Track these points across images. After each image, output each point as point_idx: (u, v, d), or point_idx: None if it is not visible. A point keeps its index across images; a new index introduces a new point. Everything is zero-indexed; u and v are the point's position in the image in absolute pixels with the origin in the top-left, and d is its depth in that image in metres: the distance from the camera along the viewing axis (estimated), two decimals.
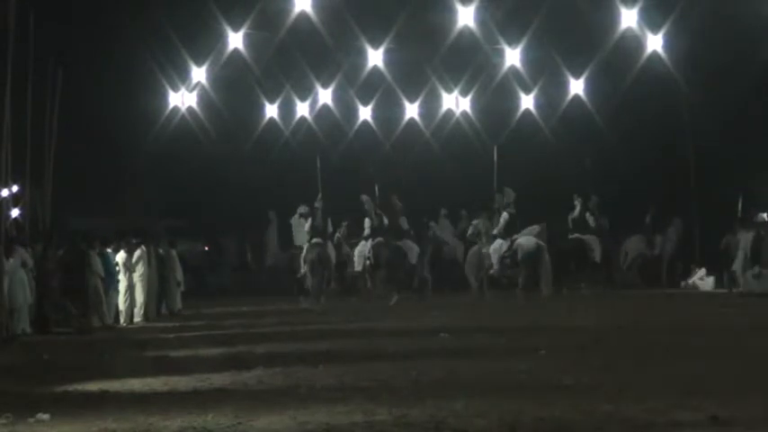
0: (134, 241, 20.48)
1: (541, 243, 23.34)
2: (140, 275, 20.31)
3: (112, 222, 24.89)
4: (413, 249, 23.87)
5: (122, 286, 19.99)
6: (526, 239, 23.31)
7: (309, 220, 23.59)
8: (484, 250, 23.80)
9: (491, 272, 23.80)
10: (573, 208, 25.25)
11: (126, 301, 20.05)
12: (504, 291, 23.75)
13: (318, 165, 24.41)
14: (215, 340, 15.49)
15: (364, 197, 23.72)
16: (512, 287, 23.51)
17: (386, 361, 12.17)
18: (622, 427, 7.89)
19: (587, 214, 25.18)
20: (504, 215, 23.63)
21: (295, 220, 24.47)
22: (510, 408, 8.62)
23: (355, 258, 24.15)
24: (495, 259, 23.60)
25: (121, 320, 19.96)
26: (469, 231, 24.50)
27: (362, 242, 23.95)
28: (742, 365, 11.07)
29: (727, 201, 24.35)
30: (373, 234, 23.70)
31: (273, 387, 10.33)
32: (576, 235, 25.11)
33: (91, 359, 13.68)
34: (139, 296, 20.37)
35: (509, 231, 23.55)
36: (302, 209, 24.02)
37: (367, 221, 23.80)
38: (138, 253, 20.35)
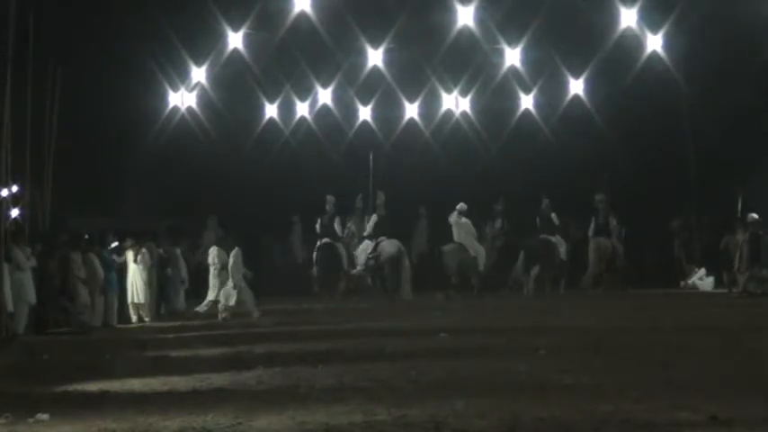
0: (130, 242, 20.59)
1: (403, 248, 23.67)
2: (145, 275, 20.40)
3: (112, 222, 24.83)
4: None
5: (130, 284, 20.17)
6: (389, 243, 23.63)
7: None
8: (354, 252, 24.28)
9: (353, 272, 24.09)
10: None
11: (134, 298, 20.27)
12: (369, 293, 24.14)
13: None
14: (215, 340, 15.50)
15: (329, 197, 23.85)
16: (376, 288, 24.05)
17: (386, 361, 12.18)
18: (622, 427, 7.89)
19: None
20: (374, 217, 24.16)
21: (454, 217, 24.21)
22: (510, 408, 8.62)
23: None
24: (361, 260, 23.98)
25: (133, 318, 20.29)
26: (345, 233, 24.76)
27: (318, 243, 24.12)
28: (742, 365, 11.08)
29: (727, 201, 24.34)
30: (322, 235, 23.88)
31: (273, 387, 10.34)
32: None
33: (91, 359, 13.68)
34: (143, 296, 20.45)
35: (377, 233, 23.85)
36: (461, 206, 24.09)
37: (318, 222, 23.96)
38: (143, 252, 20.42)
